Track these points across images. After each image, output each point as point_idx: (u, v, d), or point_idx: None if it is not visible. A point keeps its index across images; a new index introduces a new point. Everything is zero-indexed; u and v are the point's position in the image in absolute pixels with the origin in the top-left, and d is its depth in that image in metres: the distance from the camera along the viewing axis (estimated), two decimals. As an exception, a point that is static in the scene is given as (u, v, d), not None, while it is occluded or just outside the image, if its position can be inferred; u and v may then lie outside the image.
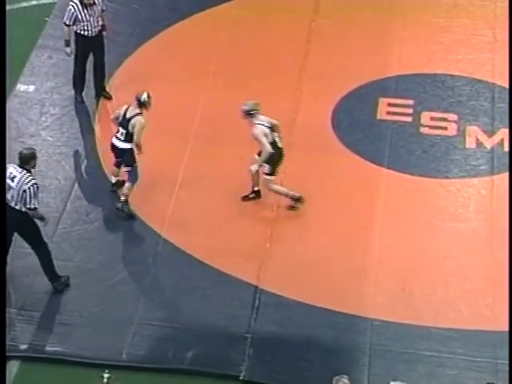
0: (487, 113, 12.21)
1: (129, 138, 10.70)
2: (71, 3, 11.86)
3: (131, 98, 11.19)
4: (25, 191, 9.51)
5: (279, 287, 10.15)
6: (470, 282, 10.26)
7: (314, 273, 10.33)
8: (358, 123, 12.19)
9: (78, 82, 12.37)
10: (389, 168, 11.56)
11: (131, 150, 10.76)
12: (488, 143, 11.87)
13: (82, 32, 11.96)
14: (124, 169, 10.97)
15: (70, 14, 11.85)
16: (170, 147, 11.85)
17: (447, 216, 11.05)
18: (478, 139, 11.93)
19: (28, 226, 9.73)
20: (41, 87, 12.64)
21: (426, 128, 12.12)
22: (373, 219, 10.93)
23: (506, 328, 9.71)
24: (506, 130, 11.93)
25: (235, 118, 12.13)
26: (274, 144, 10.67)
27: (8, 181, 9.59)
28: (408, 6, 13.89)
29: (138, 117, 10.70)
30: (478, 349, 9.64)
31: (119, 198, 10.89)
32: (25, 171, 9.57)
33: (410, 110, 12.29)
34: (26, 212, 9.62)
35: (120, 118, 10.79)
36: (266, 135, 10.61)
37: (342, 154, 11.76)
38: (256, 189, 11.10)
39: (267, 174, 10.81)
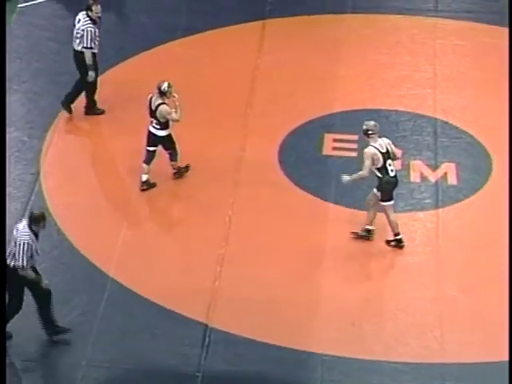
0: (430, 147, 12.41)
1: (162, 125, 11.42)
2: (88, 25, 12.17)
3: (77, 139, 11.16)
4: (19, 246, 9.47)
5: (229, 325, 10.12)
6: (418, 316, 10.34)
7: (264, 309, 10.32)
8: (304, 159, 12.30)
9: (72, 99, 12.49)
10: (336, 203, 11.65)
11: (168, 135, 11.47)
12: (432, 177, 12.05)
13: (93, 50, 12.28)
14: (166, 153, 11.64)
15: (93, 35, 12.18)
16: (118, 186, 11.81)
17: (394, 250, 11.14)
18: (422, 173, 12.10)
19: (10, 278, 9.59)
20: (-15, 128, 12.52)
21: (372, 163, 12.26)
22: (321, 254, 10.98)
23: (454, 360, 9.80)
24: (449, 164, 12.13)
25: (183, 155, 12.18)
26: (385, 170, 10.72)
27: (14, 231, 9.60)
28: (351, 43, 14.12)
29: (160, 107, 11.29)
30: (427, 382, 9.70)
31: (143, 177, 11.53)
32: (27, 229, 9.53)
33: (355, 146, 12.44)
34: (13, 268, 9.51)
35: (148, 109, 11.39)
36: (374, 159, 10.68)
37: (289, 189, 11.83)
38: (369, 227, 11.05)
39: (382, 201, 10.85)
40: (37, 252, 9.63)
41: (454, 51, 13.99)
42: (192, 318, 10.19)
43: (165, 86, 11.29)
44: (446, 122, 12.76)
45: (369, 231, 11.06)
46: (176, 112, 11.33)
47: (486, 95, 13.22)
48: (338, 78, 13.44)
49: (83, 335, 9.98)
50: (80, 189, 11.81)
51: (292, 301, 10.44)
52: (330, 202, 11.66)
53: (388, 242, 11.07)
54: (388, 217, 10.95)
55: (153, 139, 11.54)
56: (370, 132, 10.77)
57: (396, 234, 11.00)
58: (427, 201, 11.70)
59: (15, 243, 9.51)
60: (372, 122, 10.85)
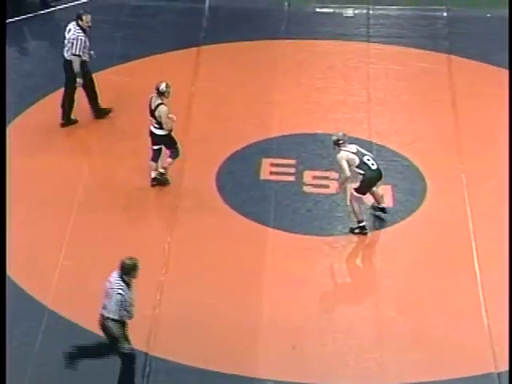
0: (366, 170, 12.55)
1: (161, 125, 11.72)
2: (78, 34, 12.52)
3: (10, 168, 10.90)
4: (111, 297, 9.33)
5: (170, 353, 10.04)
6: (358, 337, 10.39)
7: (204, 336, 10.28)
8: (242, 184, 12.34)
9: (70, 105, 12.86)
10: (274, 228, 11.69)
11: (167, 134, 11.78)
12: (368, 200, 12.16)
13: (85, 58, 12.65)
14: (167, 150, 11.98)
15: (83, 43, 12.54)
16: (54, 217, 11.68)
17: (333, 273, 11.21)
18: (359, 196, 12.22)
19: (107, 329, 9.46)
20: None
21: (309, 187, 12.36)
22: (261, 279, 11.00)
23: (394, 381, 9.87)
24: (386, 187, 12.25)
25: (119, 184, 12.13)
26: (366, 165, 11.26)
27: (107, 284, 9.43)
28: (285, 69, 14.26)
29: (159, 107, 11.58)
30: (368, 403, 9.77)
31: (157, 170, 11.99)
32: (120, 280, 9.34)
33: (293, 170, 12.53)
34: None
35: (148, 109, 11.70)
36: (349, 160, 11.23)
37: (227, 215, 11.85)
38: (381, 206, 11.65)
39: (355, 190, 11.33)
40: (131, 304, 9.41)
41: (386, 75, 14.24)
42: (132, 346, 10.07)
43: (163, 86, 11.60)
44: (382, 146, 12.94)
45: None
46: (169, 120, 11.65)
47: (420, 119, 13.46)
48: (273, 103, 13.55)
49: (21, 367, 9.79)
50: (15, 219, 11.63)
51: (233, 326, 10.42)
52: (269, 226, 11.70)
53: (352, 230, 11.52)
54: (353, 206, 11.41)
55: (154, 138, 11.87)
56: (340, 141, 11.32)
57: (359, 222, 11.42)
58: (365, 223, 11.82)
59: (108, 294, 9.31)
60: (341, 132, 11.46)
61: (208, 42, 14.75)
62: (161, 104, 11.62)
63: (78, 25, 12.57)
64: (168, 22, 15.21)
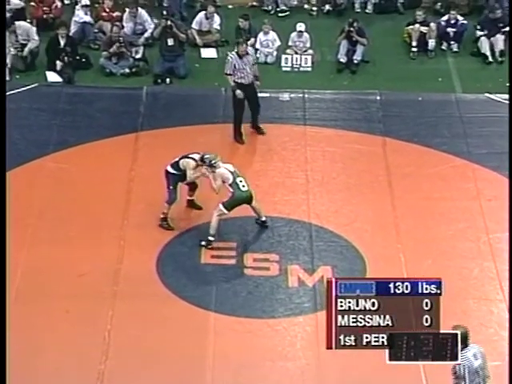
0: (306, 251, 12.62)
1: (175, 166, 12.60)
2: (229, 55, 14.27)
3: None
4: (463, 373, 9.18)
5: None
6: (303, 420, 10.30)
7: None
8: (183, 268, 12.29)
9: (239, 125, 14.38)
10: (216, 311, 11.62)
11: (172, 174, 12.61)
12: (309, 281, 12.21)
13: (239, 80, 14.16)
14: (166, 193, 12.73)
15: (230, 64, 14.14)
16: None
17: (276, 356, 11.13)
18: (299, 278, 12.25)
19: None
20: None
21: (250, 269, 12.35)
22: (203, 365, 10.86)
23: None
24: (325, 268, 12.34)
25: (58, 272, 11.97)
26: (236, 185, 12.33)
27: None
28: (224, 152, 14.15)
29: (188, 160, 12.51)
30: None
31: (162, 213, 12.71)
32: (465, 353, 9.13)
33: (234, 253, 12.53)
34: None
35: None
36: (224, 178, 12.31)
37: (168, 300, 11.75)
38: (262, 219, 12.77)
39: (222, 204, 12.26)
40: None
41: (324, 157, 14.46)
42: None
43: (208, 156, 12.39)
44: (321, 227, 13.05)
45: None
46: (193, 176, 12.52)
47: (357, 199, 13.64)
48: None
49: None
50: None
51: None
52: (210, 310, 11.63)
53: (200, 242, 12.43)
54: (213, 220, 12.30)
55: (167, 177, 12.68)
56: (213, 162, 12.35)
57: (210, 235, 12.38)
58: (306, 305, 11.81)
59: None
60: (213, 154, 12.44)
61: (146, 128, 14.84)
62: (193, 159, 12.45)
63: (236, 51, 14.22)
64: (105, 109, 15.30)
